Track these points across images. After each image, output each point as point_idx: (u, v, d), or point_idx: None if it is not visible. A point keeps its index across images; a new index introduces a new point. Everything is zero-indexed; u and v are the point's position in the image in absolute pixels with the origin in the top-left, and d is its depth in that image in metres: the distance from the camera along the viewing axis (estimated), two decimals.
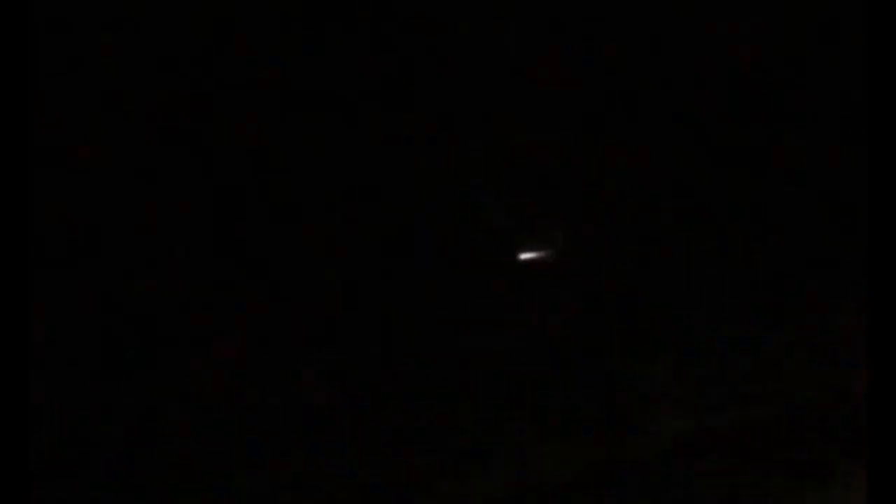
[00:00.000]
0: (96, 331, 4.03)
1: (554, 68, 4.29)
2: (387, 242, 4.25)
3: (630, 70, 4.30)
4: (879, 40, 2.83)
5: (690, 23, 4.28)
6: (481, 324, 4.25)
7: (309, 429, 4.00)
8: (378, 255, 4.24)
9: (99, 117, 4.03)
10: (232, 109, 4.14)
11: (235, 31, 4.08)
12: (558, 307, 4.28)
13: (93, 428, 3.91)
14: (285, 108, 4.19)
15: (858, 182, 4.11)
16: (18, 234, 2.72)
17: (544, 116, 4.31)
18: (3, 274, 2.68)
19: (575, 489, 3.60)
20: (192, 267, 4.15)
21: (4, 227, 2.70)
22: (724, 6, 4.27)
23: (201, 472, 3.83)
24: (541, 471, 3.73)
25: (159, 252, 4.11)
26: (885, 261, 2.70)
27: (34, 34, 3.65)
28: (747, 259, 4.36)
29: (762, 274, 4.33)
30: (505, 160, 4.31)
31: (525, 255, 4.25)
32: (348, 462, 3.85)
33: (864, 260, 2.82)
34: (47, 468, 3.71)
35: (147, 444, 3.90)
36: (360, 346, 4.17)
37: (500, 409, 4.07)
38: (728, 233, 4.37)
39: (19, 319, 2.68)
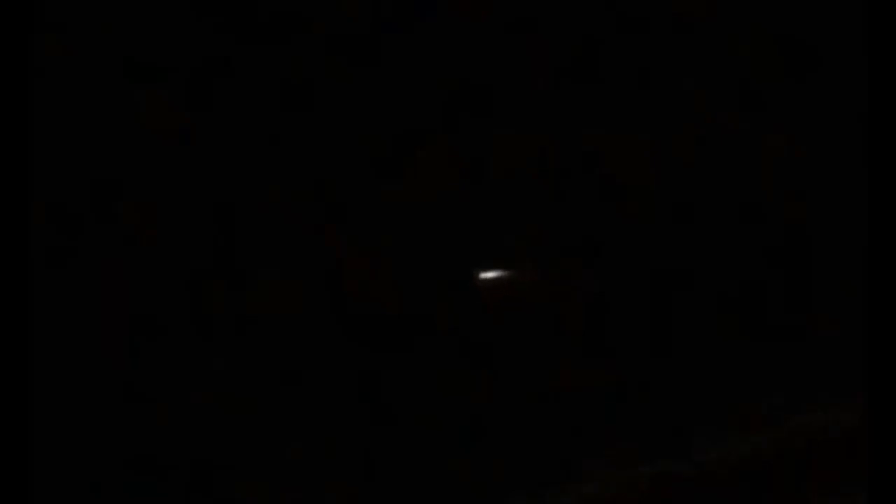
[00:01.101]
0: (95, 330, 4.03)
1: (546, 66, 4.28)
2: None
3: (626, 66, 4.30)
4: (879, 40, 2.83)
5: (690, 21, 4.28)
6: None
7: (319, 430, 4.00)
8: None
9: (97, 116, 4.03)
10: (230, 107, 4.14)
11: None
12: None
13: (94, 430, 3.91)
14: (281, 107, 4.19)
15: (858, 182, 4.11)
16: (19, 233, 2.71)
17: (543, 112, 4.31)
18: (4, 273, 2.68)
19: None
20: (190, 267, 4.14)
21: (5, 227, 2.70)
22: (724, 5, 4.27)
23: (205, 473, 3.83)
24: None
25: (157, 253, 4.11)
26: (885, 261, 2.69)
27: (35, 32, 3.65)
28: (744, 259, 4.36)
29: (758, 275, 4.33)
30: (503, 158, 4.31)
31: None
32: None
33: (865, 260, 2.82)
34: (47, 469, 3.71)
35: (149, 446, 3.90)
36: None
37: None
38: (724, 232, 4.37)
39: (19, 319, 2.68)
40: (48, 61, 3.88)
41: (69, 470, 3.84)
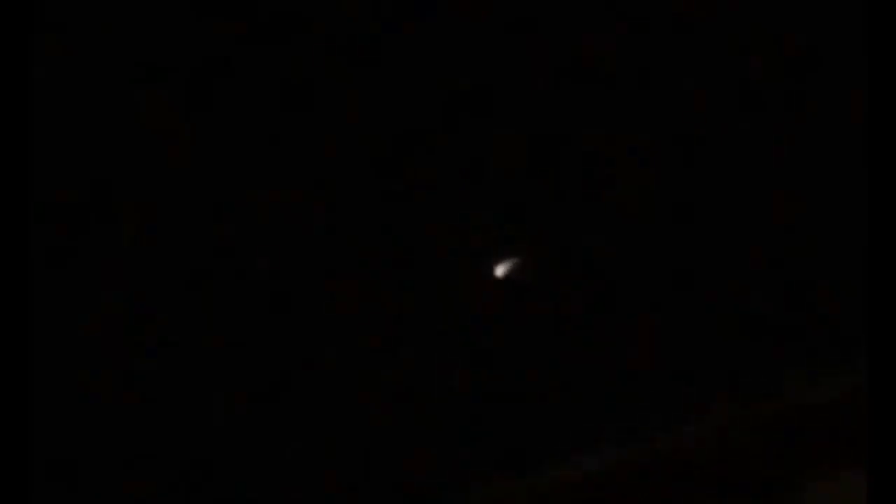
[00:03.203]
0: (95, 330, 4.03)
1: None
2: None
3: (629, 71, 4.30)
4: (879, 40, 2.83)
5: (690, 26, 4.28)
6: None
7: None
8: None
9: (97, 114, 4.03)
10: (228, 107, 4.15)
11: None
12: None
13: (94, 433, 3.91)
14: (281, 107, 4.19)
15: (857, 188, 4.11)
16: (19, 233, 2.71)
17: (544, 112, 4.31)
18: (4, 273, 2.68)
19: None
20: (190, 267, 4.15)
21: (5, 227, 2.70)
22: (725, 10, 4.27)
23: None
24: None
25: (156, 252, 4.11)
26: (885, 260, 2.70)
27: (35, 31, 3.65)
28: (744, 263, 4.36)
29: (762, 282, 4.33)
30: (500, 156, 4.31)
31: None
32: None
33: (865, 261, 2.82)
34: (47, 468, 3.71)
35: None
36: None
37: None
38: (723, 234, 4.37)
39: (19, 319, 2.68)
40: (48, 61, 3.88)
41: (69, 469, 3.84)
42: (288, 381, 4.18)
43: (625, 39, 4.25)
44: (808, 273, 4.31)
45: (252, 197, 4.16)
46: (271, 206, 4.17)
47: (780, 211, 4.34)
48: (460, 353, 4.24)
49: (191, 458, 3.98)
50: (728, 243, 4.36)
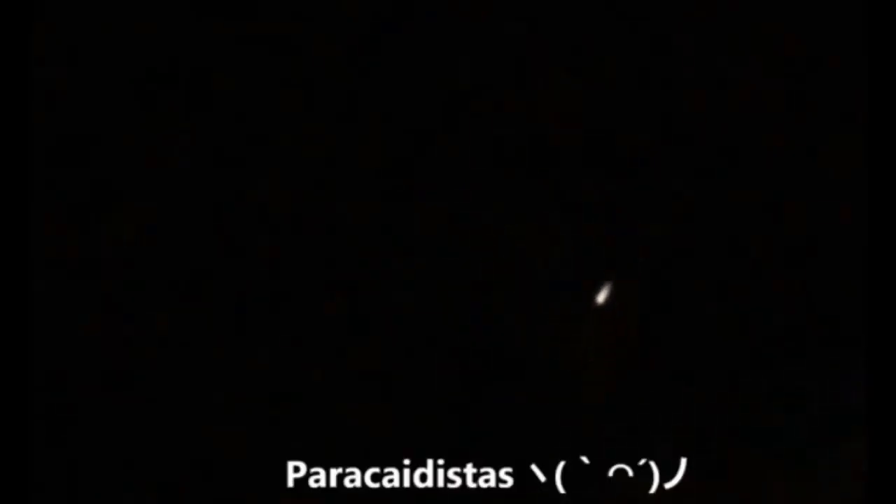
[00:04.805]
0: (95, 331, 4.03)
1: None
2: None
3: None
4: (879, 40, 2.83)
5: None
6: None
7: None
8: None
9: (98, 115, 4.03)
10: (230, 110, 4.15)
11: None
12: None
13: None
14: (281, 108, 4.19)
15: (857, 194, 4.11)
16: (19, 233, 2.72)
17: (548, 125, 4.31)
18: (4, 273, 2.68)
19: None
20: (190, 267, 4.15)
21: (5, 227, 2.71)
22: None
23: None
24: None
25: (157, 253, 4.11)
26: (885, 262, 2.70)
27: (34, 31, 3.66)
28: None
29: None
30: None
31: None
32: None
33: (865, 261, 2.82)
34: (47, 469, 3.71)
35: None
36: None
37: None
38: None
39: (19, 319, 2.68)
40: (48, 61, 3.89)
41: (69, 471, 3.85)
42: (287, 382, 4.18)
43: (625, 39, 4.25)
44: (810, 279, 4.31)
45: (252, 197, 4.16)
46: (271, 206, 4.17)
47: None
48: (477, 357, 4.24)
49: (191, 458, 3.98)
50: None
